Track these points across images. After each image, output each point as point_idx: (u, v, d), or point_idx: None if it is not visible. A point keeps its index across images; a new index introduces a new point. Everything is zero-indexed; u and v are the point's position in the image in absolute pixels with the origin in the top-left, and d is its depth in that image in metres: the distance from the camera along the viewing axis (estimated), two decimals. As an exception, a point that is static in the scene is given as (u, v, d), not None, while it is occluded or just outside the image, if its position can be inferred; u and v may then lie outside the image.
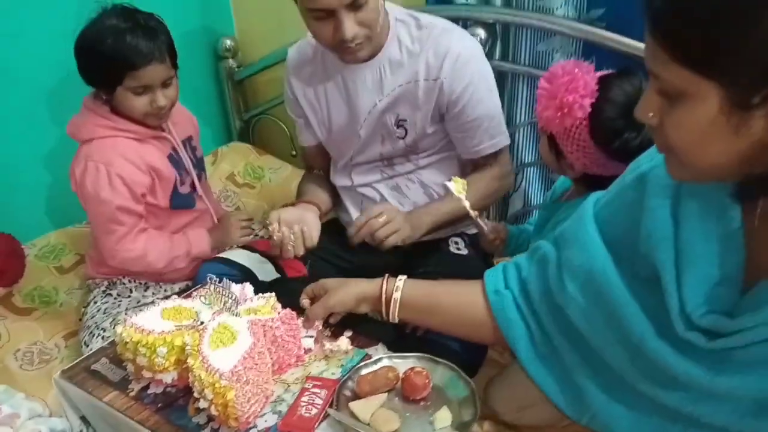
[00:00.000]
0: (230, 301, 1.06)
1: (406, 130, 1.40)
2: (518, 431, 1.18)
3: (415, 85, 1.34)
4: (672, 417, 0.81)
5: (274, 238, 1.29)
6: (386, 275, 1.10)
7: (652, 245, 0.78)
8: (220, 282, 1.09)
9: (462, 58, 1.33)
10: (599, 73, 1.12)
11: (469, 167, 1.47)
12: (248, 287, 1.14)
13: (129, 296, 1.45)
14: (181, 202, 1.47)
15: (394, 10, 1.37)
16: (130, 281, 1.47)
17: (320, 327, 1.15)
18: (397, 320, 1.08)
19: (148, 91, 1.34)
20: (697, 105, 0.62)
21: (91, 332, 1.35)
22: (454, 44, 1.33)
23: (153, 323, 1.04)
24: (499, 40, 1.59)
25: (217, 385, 0.93)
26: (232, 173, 2.07)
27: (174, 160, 1.46)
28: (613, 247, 0.84)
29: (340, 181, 1.52)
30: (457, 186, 1.25)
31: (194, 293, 1.15)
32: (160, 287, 1.48)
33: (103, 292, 1.45)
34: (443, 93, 1.33)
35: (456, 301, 1.04)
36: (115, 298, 1.44)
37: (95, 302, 1.44)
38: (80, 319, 1.47)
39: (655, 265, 0.77)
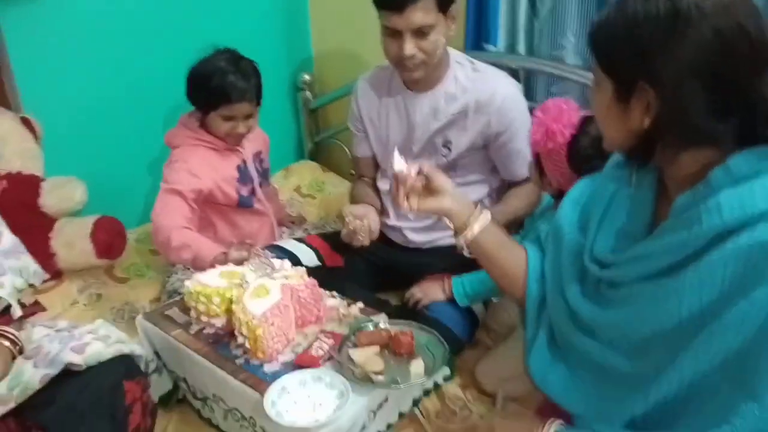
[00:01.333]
0: (270, 269, 1.39)
1: (450, 150, 1.67)
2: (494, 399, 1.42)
3: (465, 116, 1.62)
4: (597, 372, 1.01)
5: (350, 227, 1.56)
6: (478, 205, 1.17)
7: (592, 210, 1.05)
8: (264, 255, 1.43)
9: (507, 101, 1.61)
10: (583, 112, 1.37)
11: (504, 188, 1.74)
12: (287, 262, 1.46)
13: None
14: (242, 201, 1.83)
15: (455, 54, 1.67)
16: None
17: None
18: (465, 246, 1.17)
19: (233, 120, 1.73)
20: (602, 91, 0.90)
21: (170, 295, 1.72)
22: (501, 88, 1.61)
23: (212, 280, 1.38)
24: (522, 82, 1.86)
25: (250, 323, 1.25)
26: (299, 186, 2.43)
27: (241, 169, 1.83)
28: (582, 207, 1.10)
29: (384, 185, 1.79)
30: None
31: (245, 263, 1.48)
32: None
33: (184, 267, 1.82)
34: (490, 127, 1.61)
35: (508, 259, 1.18)
36: (192, 272, 1.79)
37: (177, 273, 1.81)
38: (164, 286, 1.85)
39: (588, 221, 1.05)
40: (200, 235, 1.67)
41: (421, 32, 1.49)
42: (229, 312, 1.36)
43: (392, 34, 1.52)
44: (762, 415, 0.80)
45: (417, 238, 1.76)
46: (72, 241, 1.87)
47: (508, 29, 1.87)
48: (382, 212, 1.82)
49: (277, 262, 1.44)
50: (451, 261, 1.67)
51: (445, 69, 1.63)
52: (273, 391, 1.17)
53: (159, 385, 1.42)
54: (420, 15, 1.46)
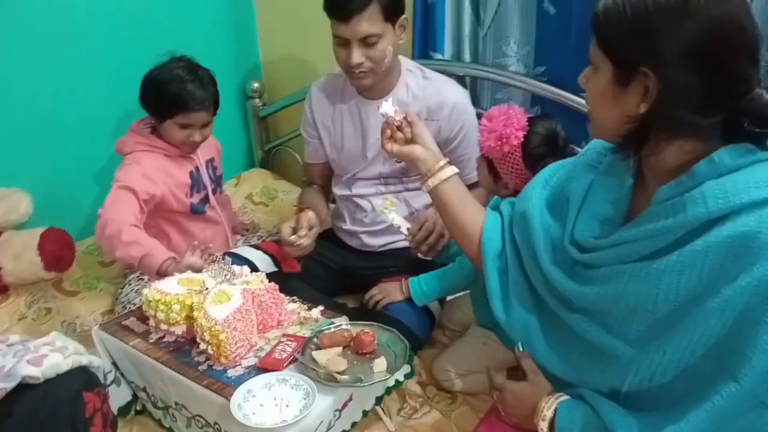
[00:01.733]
0: (229, 274, 1.40)
1: None
2: (453, 397, 1.47)
3: None
4: (572, 333, 1.07)
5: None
6: (447, 160, 1.28)
7: (570, 196, 1.11)
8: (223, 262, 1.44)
9: (457, 108, 1.68)
10: (527, 115, 1.45)
11: None
12: (245, 268, 1.47)
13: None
14: (195, 208, 1.83)
15: (406, 62, 1.73)
16: (159, 270, 1.81)
17: None
18: (428, 190, 1.28)
19: (189, 128, 1.72)
20: (600, 74, 0.94)
21: (124, 306, 1.69)
22: (451, 95, 1.68)
23: (170, 288, 1.38)
24: (468, 89, 1.93)
25: (213, 329, 1.25)
26: (251, 193, 2.43)
27: (194, 176, 1.82)
28: (551, 192, 1.17)
29: (340, 191, 1.83)
30: (384, 204, 1.54)
31: (204, 270, 1.48)
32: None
33: (137, 277, 1.80)
34: (440, 133, 1.66)
35: (466, 213, 1.26)
36: (146, 283, 1.77)
37: (130, 284, 1.78)
38: (116, 298, 1.82)
39: (568, 207, 1.10)
40: (151, 238, 1.64)
41: (367, 41, 1.54)
42: (189, 319, 1.36)
43: (341, 42, 1.57)
44: (740, 394, 0.86)
45: (372, 241, 1.80)
46: (18, 254, 1.82)
47: (454, 38, 1.94)
48: (339, 217, 1.85)
49: (236, 267, 1.45)
50: (405, 263, 1.73)
51: (396, 77, 1.68)
52: (239, 395, 1.18)
53: (117, 397, 1.40)
54: (366, 25, 1.52)
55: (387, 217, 1.51)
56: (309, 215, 1.66)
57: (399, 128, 1.30)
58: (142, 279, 1.79)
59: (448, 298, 1.65)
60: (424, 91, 1.68)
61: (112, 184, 1.68)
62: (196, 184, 1.82)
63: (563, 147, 1.43)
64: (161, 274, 1.54)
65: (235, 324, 1.28)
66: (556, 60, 1.74)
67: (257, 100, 2.60)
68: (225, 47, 2.50)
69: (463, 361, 1.47)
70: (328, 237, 1.86)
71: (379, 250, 1.80)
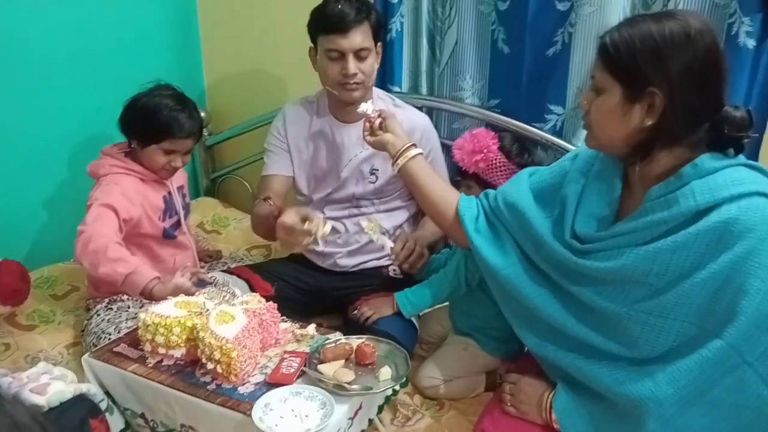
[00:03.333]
0: (229, 295, 1.44)
1: (377, 177, 1.82)
2: (440, 403, 1.57)
3: None
4: (563, 294, 1.25)
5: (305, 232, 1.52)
6: (414, 143, 1.51)
7: (566, 198, 1.28)
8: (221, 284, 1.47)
9: (427, 131, 1.85)
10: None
11: (421, 214, 1.91)
12: (238, 290, 1.51)
13: (127, 309, 1.76)
14: (167, 233, 1.84)
15: (377, 91, 1.87)
16: (128, 298, 1.78)
17: None
18: (397, 169, 1.49)
19: (172, 154, 1.75)
20: (608, 96, 1.12)
21: (98, 336, 1.65)
22: (421, 120, 1.85)
23: (169, 311, 1.39)
24: (426, 119, 2.08)
25: (224, 347, 1.28)
26: (202, 222, 2.43)
27: (167, 201, 1.83)
28: (536, 193, 1.35)
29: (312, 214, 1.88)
30: (370, 225, 1.66)
31: (197, 293, 1.50)
32: (152, 304, 1.80)
33: (105, 306, 1.76)
34: None
35: (435, 188, 1.48)
36: (115, 311, 1.74)
37: (98, 314, 1.74)
38: (82, 331, 1.77)
39: (564, 208, 1.27)
40: (118, 243, 1.62)
41: (361, 54, 1.68)
42: (189, 341, 1.38)
43: (335, 56, 1.68)
44: (725, 349, 1.04)
45: (347, 261, 1.87)
46: (-28, 288, 1.74)
47: (411, 73, 2.08)
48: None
49: (236, 289, 1.49)
50: (379, 281, 1.82)
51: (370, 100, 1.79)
52: (258, 409, 1.22)
53: (111, 425, 1.38)
54: (360, 38, 1.66)
55: (372, 236, 1.60)
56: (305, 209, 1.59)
57: (375, 125, 1.54)
58: (111, 309, 1.76)
59: (424, 312, 1.76)
60: (398, 115, 1.80)
61: (87, 205, 1.67)
62: (169, 208, 1.83)
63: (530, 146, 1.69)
64: (145, 293, 1.56)
65: (245, 342, 1.32)
66: (508, 93, 1.92)
67: (203, 129, 2.61)
68: (169, 76, 2.49)
69: (446, 368, 1.58)
70: (299, 260, 1.92)
71: (352, 270, 1.87)
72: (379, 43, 1.75)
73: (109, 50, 2.23)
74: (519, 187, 1.37)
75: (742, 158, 1.13)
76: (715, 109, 1.10)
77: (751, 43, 1.54)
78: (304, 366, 1.35)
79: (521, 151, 1.65)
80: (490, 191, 1.45)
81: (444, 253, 1.73)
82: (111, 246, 1.56)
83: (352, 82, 1.69)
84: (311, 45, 1.77)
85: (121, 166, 1.75)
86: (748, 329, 1.03)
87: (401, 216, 1.90)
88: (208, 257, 2.12)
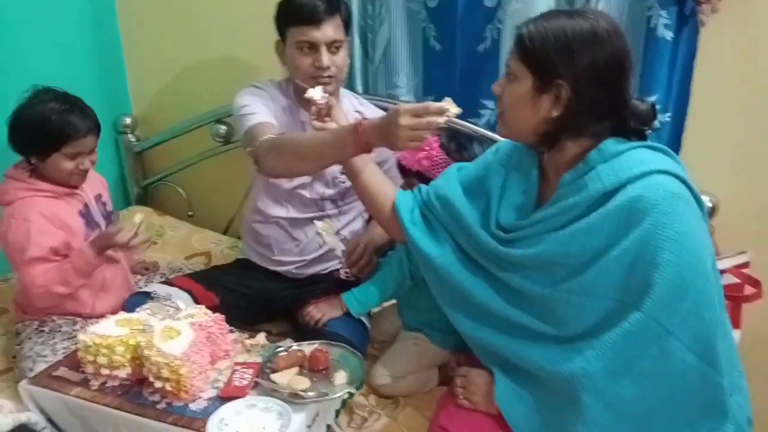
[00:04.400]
0: (172, 309, 1.40)
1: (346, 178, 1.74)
2: (395, 401, 1.58)
3: None
4: (494, 280, 1.30)
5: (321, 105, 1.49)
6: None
7: (490, 191, 1.33)
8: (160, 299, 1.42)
9: None
10: None
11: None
12: (181, 303, 1.47)
13: (60, 330, 1.67)
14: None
15: (343, 89, 1.83)
16: (59, 318, 1.70)
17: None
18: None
19: (78, 156, 1.66)
20: (520, 84, 1.18)
21: (33, 360, 1.56)
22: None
23: (110, 330, 1.35)
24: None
25: (172, 364, 1.25)
26: (136, 232, 2.34)
27: (84, 214, 1.74)
28: (465, 186, 1.39)
29: (274, 210, 1.79)
30: (325, 226, 1.66)
31: (138, 309, 1.45)
32: (86, 321, 1.72)
33: (36, 329, 1.66)
34: (380, 155, 1.73)
35: (376, 178, 1.48)
36: (48, 333, 1.65)
37: (29, 338, 1.64)
38: (14, 357, 1.67)
39: (488, 199, 1.33)
40: (59, 262, 1.62)
41: (333, 47, 1.66)
42: (134, 360, 1.33)
43: (308, 48, 1.65)
44: (644, 320, 1.10)
45: (300, 271, 1.83)
46: None
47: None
48: (261, 245, 1.84)
49: (179, 302, 1.45)
50: (328, 285, 1.79)
51: (338, 97, 1.76)
52: (212, 425, 1.19)
53: (56, 453, 1.33)
54: (332, 30, 1.64)
55: (326, 238, 1.60)
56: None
57: (323, 112, 1.46)
58: (43, 331, 1.67)
59: (374, 310, 1.76)
60: (364, 113, 1.80)
61: (5, 245, 1.61)
62: (88, 222, 1.74)
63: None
64: (101, 253, 1.63)
65: (193, 357, 1.29)
66: (443, 90, 1.92)
67: (131, 136, 2.53)
68: (89, 80, 2.40)
69: (399, 365, 1.59)
70: (245, 265, 1.88)
71: (301, 277, 1.84)
72: (348, 37, 1.72)
73: (19, 55, 2.12)
74: (449, 181, 1.42)
75: (642, 141, 1.21)
76: (618, 105, 1.17)
77: (669, 35, 1.62)
78: (257, 377, 1.33)
79: (459, 148, 1.67)
80: (423, 186, 1.49)
81: (389, 256, 1.74)
82: (56, 290, 1.60)
83: (325, 75, 1.65)
84: (278, 38, 1.73)
85: (28, 188, 1.65)
86: (663, 299, 1.10)
87: (359, 221, 1.89)
88: (145, 269, 2.04)
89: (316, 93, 1.48)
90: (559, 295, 1.19)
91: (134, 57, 2.52)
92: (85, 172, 1.70)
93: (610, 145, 1.17)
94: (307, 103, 1.59)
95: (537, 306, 1.23)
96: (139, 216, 1.67)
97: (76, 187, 1.73)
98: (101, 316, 1.69)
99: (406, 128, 1.22)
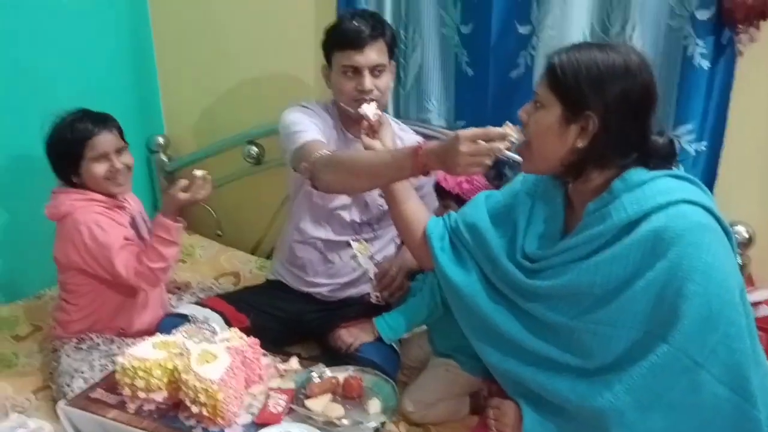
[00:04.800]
0: (209, 333, 1.41)
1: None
2: (426, 429, 1.57)
3: None
4: (519, 311, 1.30)
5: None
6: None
7: (516, 220, 1.34)
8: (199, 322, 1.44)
9: None
10: None
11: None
12: (217, 326, 1.48)
13: (98, 348, 1.70)
14: None
15: (385, 114, 1.79)
16: (97, 336, 1.73)
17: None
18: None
19: (105, 159, 1.70)
20: (547, 112, 1.19)
21: (71, 375, 1.59)
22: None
23: (147, 353, 1.36)
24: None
25: (209, 389, 1.26)
26: (166, 250, 2.37)
27: (133, 226, 1.79)
28: (492, 214, 1.39)
29: (314, 231, 1.81)
30: (360, 247, 1.67)
31: (174, 332, 1.46)
32: (123, 341, 1.75)
33: (74, 346, 1.70)
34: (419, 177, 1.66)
35: (413, 205, 1.49)
36: (86, 350, 1.69)
37: (68, 355, 1.67)
38: (51, 373, 1.69)
39: (515, 228, 1.33)
40: (142, 244, 1.72)
41: (376, 71, 1.68)
42: (170, 384, 1.34)
43: (352, 72, 1.67)
44: (672, 352, 1.09)
45: (332, 294, 1.84)
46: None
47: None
48: (295, 266, 1.86)
49: (215, 325, 1.47)
50: (359, 309, 1.80)
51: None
52: (249, 451, 1.20)
53: (91, 475, 1.34)
54: (376, 54, 1.66)
55: (360, 259, 1.60)
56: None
57: (374, 128, 1.54)
58: (81, 348, 1.70)
59: (404, 336, 1.76)
60: (404, 138, 1.82)
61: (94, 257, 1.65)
62: (137, 233, 1.78)
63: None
64: (175, 215, 1.71)
65: (230, 382, 1.29)
66: (474, 115, 1.95)
67: (162, 155, 2.57)
68: (125, 100, 2.45)
69: (430, 391, 1.58)
70: (276, 286, 1.89)
71: (332, 299, 1.85)
72: (392, 61, 1.75)
73: (60, 79, 2.17)
74: (477, 209, 1.42)
75: (668, 170, 1.22)
76: (642, 139, 1.19)
77: (705, 64, 1.61)
78: (292, 403, 1.34)
79: (498, 174, 1.68)
80: (453, 213, 1.49)
81: (419, 279, 1.75)
82: (155, 264, 1.66)
83: (368, 98, 1.66)
84: (324, 63, 1.77)
85: (82, 197, 1.69)
86: (691, 331, 1.09)
87: (391, 248, 1.89)
88: (176, 288, 2.06)
89: (369, 109, 1.55)
90: (585, 325, 1.18)
91: (168, 78, 2.57)
92: (118, 173, 1.72)
93: (635, 174, 1.17)
94: (352, 125, 1.62)
95: (563, 337, 1.23)
96: (199, 171, 1.71)
97: (121, 202, 1.77)
98: (137, 333, 1.76)
99: (466, 155, 1.21)
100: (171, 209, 1.71)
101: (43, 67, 2.12)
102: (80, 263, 1.66)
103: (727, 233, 1.17)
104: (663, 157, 1.20)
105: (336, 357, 1.61)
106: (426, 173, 1.34)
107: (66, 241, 1.66)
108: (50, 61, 2.15)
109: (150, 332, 1.72)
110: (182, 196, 1.68)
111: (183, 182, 1.69)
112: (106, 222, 1.68)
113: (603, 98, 1.14)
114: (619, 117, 1.14)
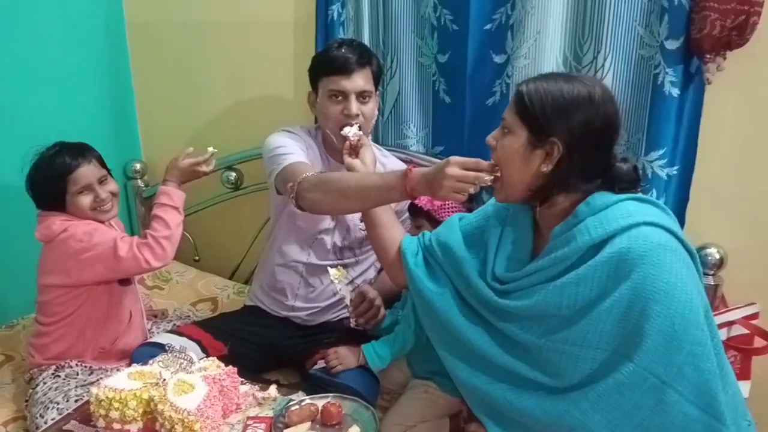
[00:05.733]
0: (185, 362, 1.39)
1: None
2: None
3: None
4: (491, 328, 1.31)
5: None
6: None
7: (488, 242, 1.35)
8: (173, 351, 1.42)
9: None
10: None
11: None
12: (194, 355, 1.46)
13: (76, 377, 1.67)
14: (123, 280, 1.78)
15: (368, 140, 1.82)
16: (77, 364, 1.70)
17: None
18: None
19: (89, 190, 1.69)
20: (514, 137, 1.22)
21: (45, 406, 1.56)
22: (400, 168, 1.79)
23: (122, 383, 1.33)
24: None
25: (186, 420, 1.24)
26: (142, 277, 2.34)
27: None
28: (465, 235, 1.40)
29: (296, 255, 1.81)
30: (337, 274, 1.67)
31: (151, 361, 1.44)
32: (101, 369, 1.72)
33: (52, 374, 1.67)
34: (398, 204, 1.76)
35: (392, 221, 1.52)
36: (63, 379, 1.65)
37: (44, 383, 1.64)
38: (26, 401, 1.66)
39: (486, 250, 1.35)
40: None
41: (362, 97, 1.70)
42: (146, 414, 1.32)
43: (338, 97, 1.69)
44: (638, 371, 1.11)
45: (312, 319, 1.84)
46: None
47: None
48: (274, 289, 1.85)
49: (192, 354, 1.44)
50: (338, 335, 1.79)
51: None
52: (226, 483, 1.18)
53: None
54: (362, 81, 1.69)
55: (337, 285, 1.60)
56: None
57: (354, 149, 1.60)
58: (58, 376, 1.68)
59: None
60: (386, 164, 1.84)
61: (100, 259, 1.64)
62: None
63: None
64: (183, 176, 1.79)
65: (207, 412, 1.28)
66: (451, 141, 1.98)
67: (139, 181, 2.55)
68: (101, 126, 2.44)
69: (410, 414, 1.58)
70: (254, 312, 1.88)
71: (311, 324, 1.85)
72: (378, 91, 1.77)
73: (38, 105, 2.16)
74: (450, 229, 1.44)
75: (631, 194, 1.25)
76: (605, 166, 1.23)
77: (675, 92, 1.65)
78: (270, 432, 1.32)
79: (471, 197, 1.67)
80: (426, 233, 1.51)
81: (397, 307, 1.75)
82: (159, 233, 1.67)
83: (352, 123, 1.67)
84: (310, 90, 1.79)
85: (70, 219, 1.68)
86: (656, 351, 1.11)
87: (371, 272, 1.90)
88: (153, 316, 2.04)
89: (350, 130, 1.63)
90: (554, 345, 1.20)
91: (145, 103, 2.57)
92: (104, 202, 1.72)
93: (599, 198, 1.20)
94: (335, 151, 1.67)
95: (533, 355, 1.24)
96: (211, 148, 1.76)
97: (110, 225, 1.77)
98: (119, 354, 1.76)
99: (452, 178, 1.24)
100: (173, 177, 1.77)
101: (21, 93, 2.12)
102: (78, 273, 1.65)
103: (691, 254, 1.20)
104: (628, 182, 1.24)
105: (314, 384, 1.60)
106: (413, 197, 1.36)
107: (61, 255, 1.65)
108: (28, 87, 2.16)
109: (130, 354, 1.71)
110: (186, 160, 1.75)
111: (190, 149, 1.75)
112: (100, 227, 1.69)
113: (567, 125, 1.17)
114: (582, 144, 1.18)
